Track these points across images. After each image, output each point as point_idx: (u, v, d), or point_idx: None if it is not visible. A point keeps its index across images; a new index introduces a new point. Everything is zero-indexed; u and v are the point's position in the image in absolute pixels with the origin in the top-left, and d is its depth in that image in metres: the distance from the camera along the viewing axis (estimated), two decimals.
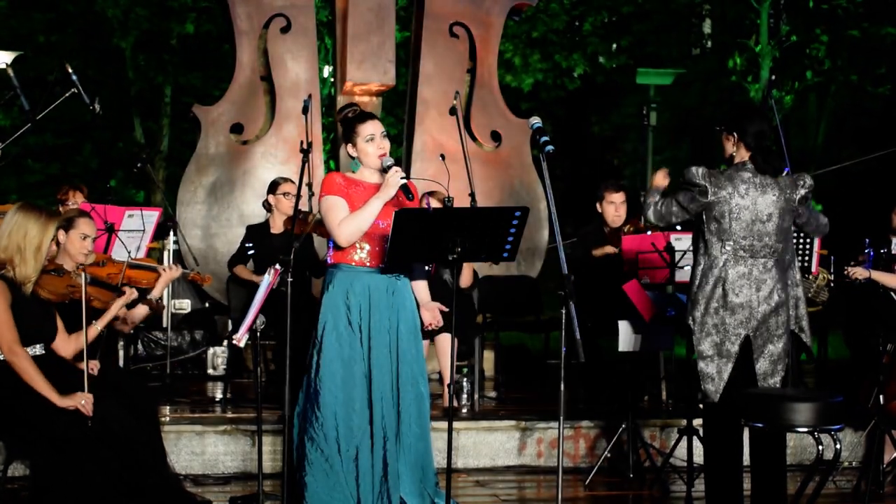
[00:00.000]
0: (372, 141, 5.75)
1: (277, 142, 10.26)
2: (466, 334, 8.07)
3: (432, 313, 5.97)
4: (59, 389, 5.42)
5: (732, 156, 5.70)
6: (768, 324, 5.57)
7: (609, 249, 8.21)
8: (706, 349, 5.58)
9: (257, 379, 6.49)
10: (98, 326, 5.95)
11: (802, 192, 5.69)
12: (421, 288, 6.03)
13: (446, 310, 6.05)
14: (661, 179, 6.14)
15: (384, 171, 5.70)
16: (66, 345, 5.81)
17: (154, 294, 6.40)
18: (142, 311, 6.37)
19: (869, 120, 21.42)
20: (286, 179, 8.33)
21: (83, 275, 5.78)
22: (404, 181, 5.62)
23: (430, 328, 6.00)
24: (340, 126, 5.96)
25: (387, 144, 5.80)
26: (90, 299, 5.86)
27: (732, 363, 5.57)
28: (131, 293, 6.06)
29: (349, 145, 5.83)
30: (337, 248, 5.77)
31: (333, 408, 5.68)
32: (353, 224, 5.65)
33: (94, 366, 5.97)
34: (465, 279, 8.22)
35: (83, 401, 5.43)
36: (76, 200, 8.21)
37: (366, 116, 5.83)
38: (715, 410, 5.63)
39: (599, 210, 8.51)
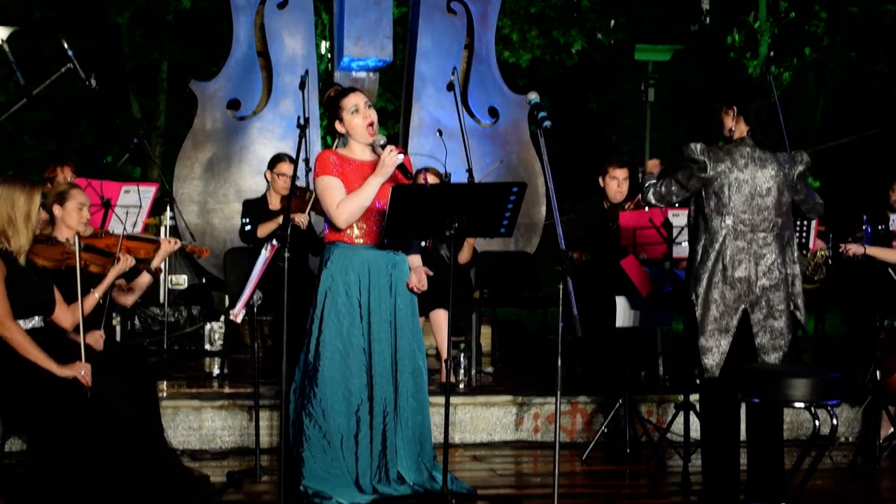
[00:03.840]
0: (357, 112, 5.73)
1: (274, 117, 10.24)
2: (462, 309, 8.06)
3: (418, 276, 5.93)
4: (61, 362, 5.43)
5: (731, 131, 5.69)
6: (769, 299, 5.57)
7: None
8: (707, 324, 5.58)
9: (254, 354, 6.49)
10: (97, 294, 5.94)
11: (800, 168, 5.71)
12: (414, 259, 6.01)
13: (431, 273, 6.03)
14: (654, 167, 6.22)
15: (380, 147, 5.68)
16: (66, 315, 5.80)
17: (152, 266, 6.40)
18: (145, 278, 6.36)
19: (867, 97, 21.39)
20: (285, 157, 8.27)
21: (77, 240, 5.77)
22: (401, 159, 5.61)
23: (412, 289, 5.92)
24: (327, 110, 5.95)
25: (373, 114, 5.78)
26: (86, 264, 5.85)
27: (731, 337, 5.57)
28: (127, 259, 6.04)
29: (337, 122, 5.81)
30: (333, 227, 5.76)
31: (332, 384, 5.70)
32: (351, 206, 5.63)
33: (100, 336, 5.98)
34: (465, 255, 8.21)
35: (83, 371, 5.41)
36: (65, 176, 8.20)
37: (347, 91, 5.81)
38: (712, 386, 5.63)
39: (602, 185, 8.41)
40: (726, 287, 5.55)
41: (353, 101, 5.74)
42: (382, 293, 5.79)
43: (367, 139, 5.75)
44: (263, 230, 8.08)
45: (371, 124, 5.73)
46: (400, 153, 5.63)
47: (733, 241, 5.56)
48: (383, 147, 5.64)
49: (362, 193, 5.62)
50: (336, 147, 6.01)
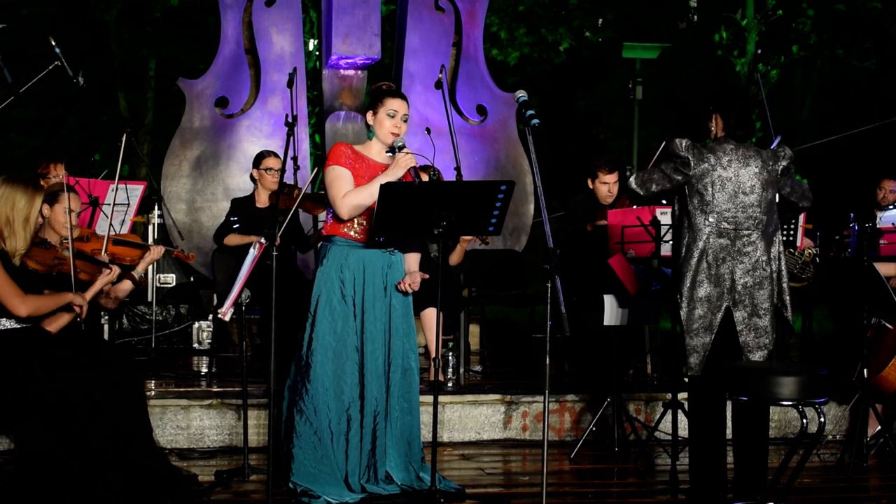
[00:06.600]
0: (392, 117, 5.80)
1: (262, 115, 10.23)
2: (452, 308, 8.06)
3: (411, 277, 5.94)
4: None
5: (713, 131, 5.73)
6: (753, 297, 5.58)
7: (602, 222, 8.14)
8: (693, 323, 5.58)
9: (243, 353, 6.47)
10: None
11: (784, 163, 5.71)
12: (411, 258, 6.02)
13: (427, 277, 6.03)
14: None
15: (393, 150, 5.74)
16: (52, 320, 5.79)
17: (138, 271, 6.40)
18: (126, 286, 6.36)
19: (854, 94, 21.44)
20: (270, 153, 8.28)
21: (70, 247, 5.77)
22: (413, 163, 5.66)
23: (400, 289, 5.93)
24: (371, 94, 5.99)
25: (404, 127, 5.83)
26: (77, 272, 5.85)
27: (713, 335, 5.58)
28: (115, 271, 6.05)
29: (370, 112, 5.85)
30: (336, 219, 5.78)
31: (324, 381, 5.72)
32: (357, 198, 5.68)
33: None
34: (456, 257, 8.20)
35: (83, 303, 5.66)
36: (57, 174, 8.16)
37: (398, 94, 5.89)
38: (699, 384, 5.64)
39: (591, 187, 8.42)
40: (710, 285, 5.56)
41: (395, 106, 5.81)
42: (377, 293, 5.82)
43: (387, 140, 5.81)
44: (231, 240, 8.11)
45: (396, 134, 5.78)
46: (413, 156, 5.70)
47: (717, 239, 5.56)
48: (399, 149, 5.69)
49: (369, 189, 5.66)
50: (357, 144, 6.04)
